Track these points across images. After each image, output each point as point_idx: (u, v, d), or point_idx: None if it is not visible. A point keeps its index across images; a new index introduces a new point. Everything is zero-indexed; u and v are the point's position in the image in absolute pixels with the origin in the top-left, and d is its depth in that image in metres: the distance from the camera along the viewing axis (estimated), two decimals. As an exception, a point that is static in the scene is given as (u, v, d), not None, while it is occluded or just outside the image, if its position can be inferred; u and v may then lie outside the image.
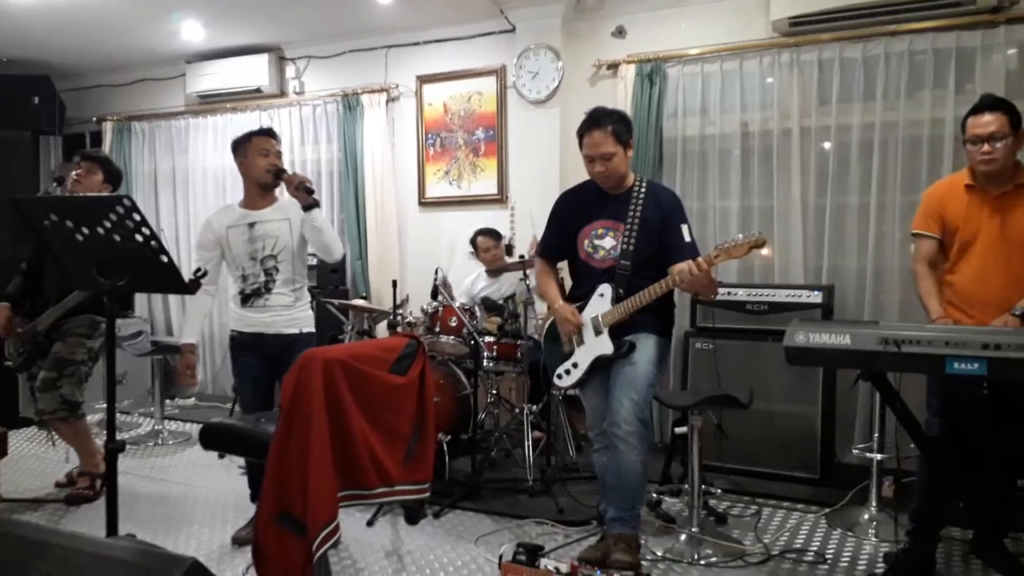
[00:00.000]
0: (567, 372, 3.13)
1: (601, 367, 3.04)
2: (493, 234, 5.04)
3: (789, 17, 4.46)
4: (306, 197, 3.25)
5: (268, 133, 3.42)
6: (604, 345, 2.99)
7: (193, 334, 3.42)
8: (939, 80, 4.23)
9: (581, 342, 3.06)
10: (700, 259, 2.78)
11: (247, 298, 3.35)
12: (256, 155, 3.33)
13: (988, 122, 2.82)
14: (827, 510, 3.74)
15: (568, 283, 3.38)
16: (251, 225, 3.33)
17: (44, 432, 5.15)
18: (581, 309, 3.08)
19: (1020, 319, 2.77)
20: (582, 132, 3.06)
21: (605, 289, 3.01)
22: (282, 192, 3.49)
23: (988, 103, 2.87)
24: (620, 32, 5.11)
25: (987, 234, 2.91)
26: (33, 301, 3.90)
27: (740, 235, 2.78)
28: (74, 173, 3.95)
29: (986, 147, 2.82)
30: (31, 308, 3.90)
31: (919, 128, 4.29)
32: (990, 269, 2.90)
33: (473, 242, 5.11)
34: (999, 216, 2.89)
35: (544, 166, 5.21)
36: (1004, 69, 4.10)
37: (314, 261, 4.82)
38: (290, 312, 3.37)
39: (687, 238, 2.98)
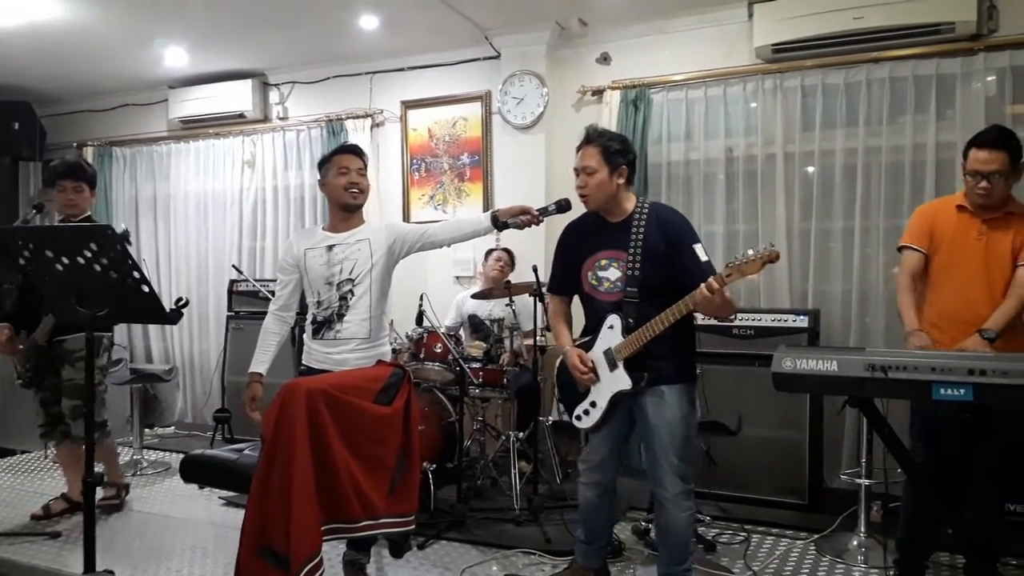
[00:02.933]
0: (586, 413, 2.93)
1: (621, 403, 2.86)
2: (510, 253, 5.01)
3: (772, 44, 4.50)
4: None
5: (351, 150, 3.16)
6: (621, 380, 2.80)
7: (260, 363, 3.07)
8: (920, 106, 4.27)
9: (597, 379, 2.87)
10: (712, 279, 2.55)
11: (319, 328, 3.03)
12: (336, 174, 3.07)
13: (990, 159, 2.85)
14: (816, 536, 3.72)
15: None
16: (330, 248, 3.05)
17: (44, 449, 5.24)
18: (591, 344, 2.90)
19: (989, 342, 2.79)
20: (578, 149, 2.95)
21: (614, 320, 2.80)
22: (368, 215, 3.27)
23: (992, 138, 2.89)
24: (604, 58, 5.14)
25: (972, 255, 2.96)
26: (32, 315, 3.84)
27: (751, 251, 2.53)
28: (61, 195, 3.88)
29: (984, 183, 2.86)
30: (30, 322, 3.86)
31: (901, 153, 4.32)
32: (972, 289, 2.94)
33: (488, 253, 5.05)
34: (985, 239, 2.94)
35: (530, 191, 5.19)
36: (984, 95, 4.14)
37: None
38: (364, 348, 3.00)
39: (703, 258, 2.74)
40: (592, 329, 2.93)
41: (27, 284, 3.82)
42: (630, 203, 2.91)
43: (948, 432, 2.87)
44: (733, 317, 2.87)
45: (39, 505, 4.15)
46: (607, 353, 2.83)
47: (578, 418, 2.96)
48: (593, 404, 2.90)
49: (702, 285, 2.56)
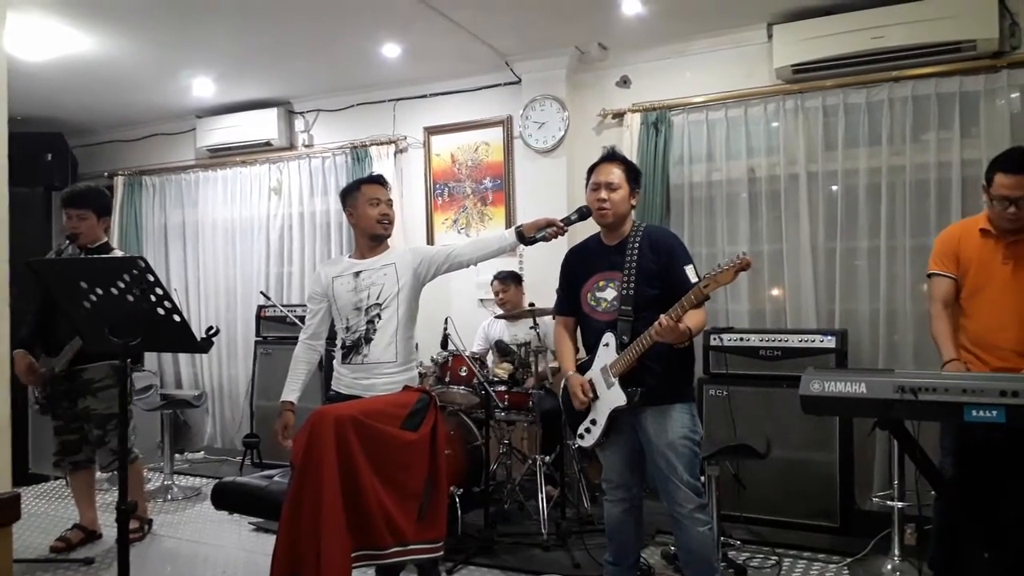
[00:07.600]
0: (587, 431, 2.98)
1: (621, 419, 2.90)
2: (506, 278, 5.06)
3: (792, 64, 4.50)
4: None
5: (378, 180, 3.22)
6: (617, 397, 2.86)
7: (291, 391, 3.10)
8: (944, 124, 4.25)
9: (596, 397, 2.93)
10: (663, 316, 2.64)
11: (347, 352, 3.06)
12: (366, 205, 3.11)
13: (1017, 184, 2.76)
14: (849, 560, 3.67)
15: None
16: (357, 274, 3.10)
17: (60, 476, 5.17)
18: (590, 364, 2.97)
19: None
20: (595, 165, 3.04)
21: (608, 338, 2.89)
22: (392, 240, 3.30)
23: (1017, 162, 2.79)
24: (625, 82, 5.18)
25: (999, 279, 2.91)
26: (47, 341, 3.90)
27: (727, 259, 2.63)
28: (68, 223, 3.93)
29: (1013, 208, 2.79)
30: (46, 348, 3.91)
31: (926, 171, 4.30)
32: (1003, 314, 2.89)
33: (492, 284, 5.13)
34: (1011, 262, 2.89)
35: (551, 214, 5.07)
36: (1008, 113, 4.11)
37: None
38: (391, 373, 3.02)
39: (693, 279, 2.82)
40: (588, 348, 3.03)
41: (45, 308, 3.89)
42: (628, 226, 3.02)
43: (982, 454, 2.82)
44: (685, 342, 2.81)
45: (60, 535, 4.17)
46: (603, 371, 2.90)
47: (580, 436, 3.02)
48: (593, 422, 2.95)
49: (661, 317, 2.65)
